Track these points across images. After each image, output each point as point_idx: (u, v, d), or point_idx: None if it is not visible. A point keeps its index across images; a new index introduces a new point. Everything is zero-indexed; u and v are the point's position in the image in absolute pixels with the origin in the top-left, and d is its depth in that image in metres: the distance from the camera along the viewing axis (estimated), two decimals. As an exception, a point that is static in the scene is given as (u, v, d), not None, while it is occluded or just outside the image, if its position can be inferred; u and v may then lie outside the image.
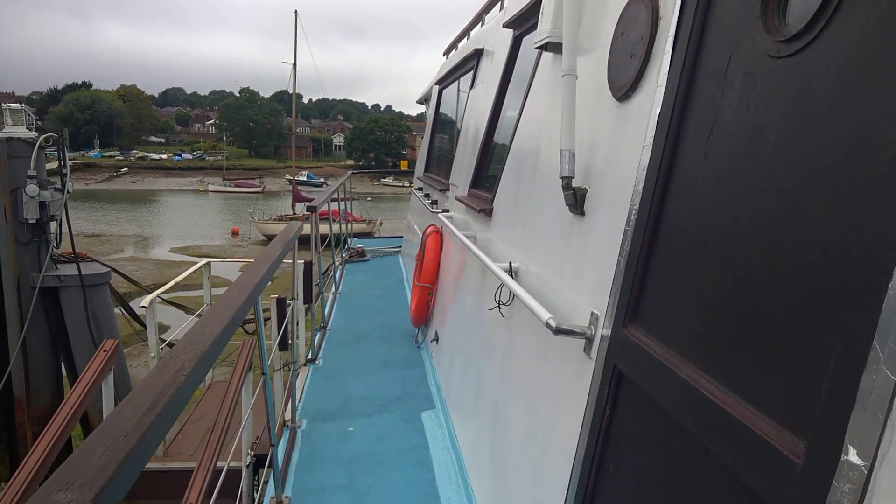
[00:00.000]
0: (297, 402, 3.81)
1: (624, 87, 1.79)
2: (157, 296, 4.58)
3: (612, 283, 1.66)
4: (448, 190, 5.28)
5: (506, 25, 3.64)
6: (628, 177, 1.70)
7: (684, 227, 1.39)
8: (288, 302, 3.75)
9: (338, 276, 8.07)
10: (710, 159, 1.34)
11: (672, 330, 1.38)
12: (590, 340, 1.74)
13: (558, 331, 1.73)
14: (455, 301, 4.24)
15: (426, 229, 5.42)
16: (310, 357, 4.93)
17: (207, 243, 32.71)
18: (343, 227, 9.96)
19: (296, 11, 40.04)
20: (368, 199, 52.45)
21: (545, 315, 1.82)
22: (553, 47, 2.55)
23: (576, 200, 1.97)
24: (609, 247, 1.74)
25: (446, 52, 7.52)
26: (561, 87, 1.99)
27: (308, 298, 4.75)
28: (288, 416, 3.69)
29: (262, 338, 2.51)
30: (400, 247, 10.26)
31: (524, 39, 3.54)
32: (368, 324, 6.03)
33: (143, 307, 4.52)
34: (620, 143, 1.81)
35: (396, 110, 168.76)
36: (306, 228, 5.85)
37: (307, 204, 4.82)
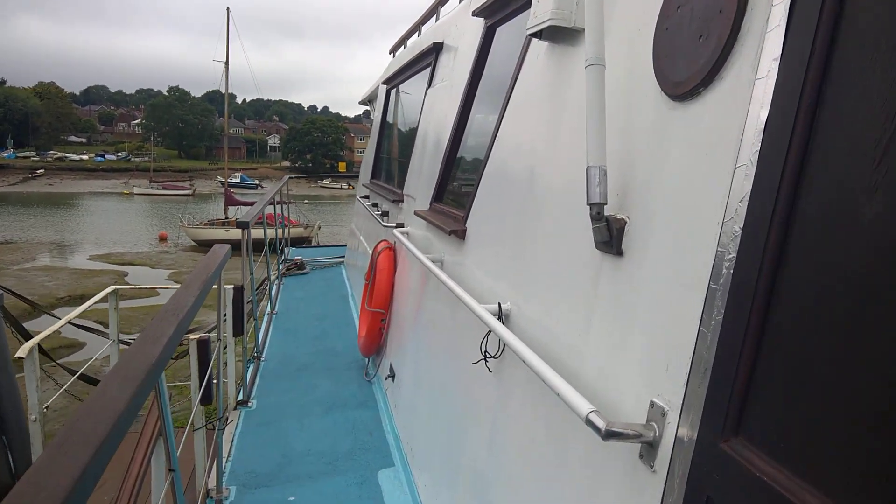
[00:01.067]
0: (223, 463, 3.13)
1: (688, 81, 1.27)
2: (37, 343, 3.66)
3: (691, 365, 1.14)
4: (402, 201, 4.69)
5: (476, 13, 3.10)
6: (700, 207, 1.18)
7: (831, 293, 0.88)
8: (212, 342, 3.07)
9: (273, 292, 7.31)
10: (885, 193, 0.83)
11: (813, 454, 0.87)
12: (651, 446, 1.21)
13: (609, 434, 1.18)
14: (416, 332, 3.66)
15: (377, 245, 4.81)
16: (240, 398, 4.23)
17: (131, 250, 30.86)
18: (279, 231, 9.19)
19: (228, 9, 38.25)
20: (306, 201, 51.01)
21: (583, 406, 1.27)
22: (551, 34, 2.02)
23: (611, 235, 1.43)
24: (674, 306, 1.22)
25: (393, 50, 6.93)
26: (587, 82, 1.45)
27: (239, 329, 4.06)
28: (212, 483, 3.00)
29: (166, 411, 1.86)
30: (343, 257, 9.56)
31: (499, 30, 3.01)
32: (310, 351, 5.35)
33: (21, 357, 3.58)
34: (682, 158, 1.29)
35: (334, 112, 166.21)
36: (237, 235, 5.15)
37: (238, 219, 4.13)
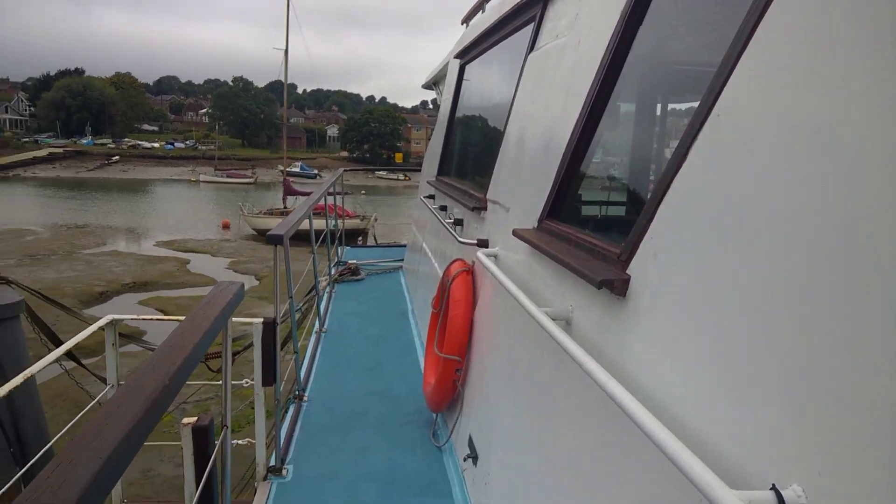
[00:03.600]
0: None
1: None
2: (25, 378, 2.76)
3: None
4: (484, 209, 3.53)
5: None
6: None
7: None
8: (215, 422, 2.02)
9: (323, 305, 6.30)
10: None
11: None
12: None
13: None
14: (516, 404, 2.52)
15: (449, 267, 3.67)
16: (272, 464, 3.19)
17: (194, 237, 31.12)
18: (335, 223, 8.21)
19: (288, -1, 37.87)
20: (363, 192, 50.54)
21: None
22: None
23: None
24: None
25: (467, 19, 5.73)
26: None
27: (270, 377, 3.01)
28: None
29: None
30: (402, 261, 8.49)
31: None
32: (363, 391, 4.28)
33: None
34: None
35: (391, 102, 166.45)
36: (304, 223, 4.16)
37: (269, 233, 3.08)
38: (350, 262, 8.07)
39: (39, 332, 5.69)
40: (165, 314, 17.83)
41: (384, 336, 5.52)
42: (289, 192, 34.18)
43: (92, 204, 43.53)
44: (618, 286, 1.62)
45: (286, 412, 3.96)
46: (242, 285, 1.96)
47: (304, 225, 5.98)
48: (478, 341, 3.23)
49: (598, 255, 1.83)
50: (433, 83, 8.18)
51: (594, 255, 1.87)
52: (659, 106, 3.45)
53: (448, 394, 3.40)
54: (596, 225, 2.16)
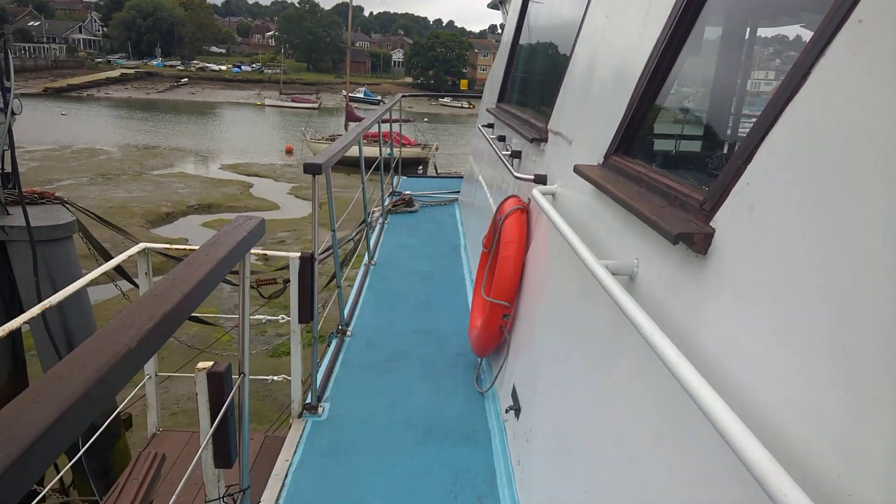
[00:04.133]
0: None
1: None
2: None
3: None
4: (545, 141, 3.18)
5: None
6: None
7: None
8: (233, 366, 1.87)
9: (373, 237, 6.15)
10: None
11: None
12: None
13: None
14: (563, 357, 2.28)
15: (503, 203, 3.38)
16: (308, 402, 3.10)
17: (258, 161, 31.66)
18: (392, 150, 7.96)
19: None
20: (425, 119, 49.77)
21: None
22: None
23: None
24: None
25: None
26: None
27: (306, 313, 2.87)
28: None
29: None
30: (458, 192, 8.21)
31: None
32: (408, 329, 4.14)
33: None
34: None
35: (459, 26, 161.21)
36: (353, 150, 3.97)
37: (306, 162, 2.86)
38: (405, 192, 7.85)
39: (95, 252, 5.81)
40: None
41: (434, 272, 5.34)
42: (351, 118, 34.06)
43: (162, 125, 44.77)
44: (698, 241, 1.31)
45: (328, 346, 3.87)
46: (262, 221, 1.75)
47: (365, 152, 5.78)
48: (528, 287, 2.96)
49: (675, 202, 1.51)
50: (499, 2, 7.58)
51: (670, 200, 1.54)
52: (749, 30, 2.96)
53: (494, 339, 3.19)
54: (674, 165, 1.82)
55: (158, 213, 19.32)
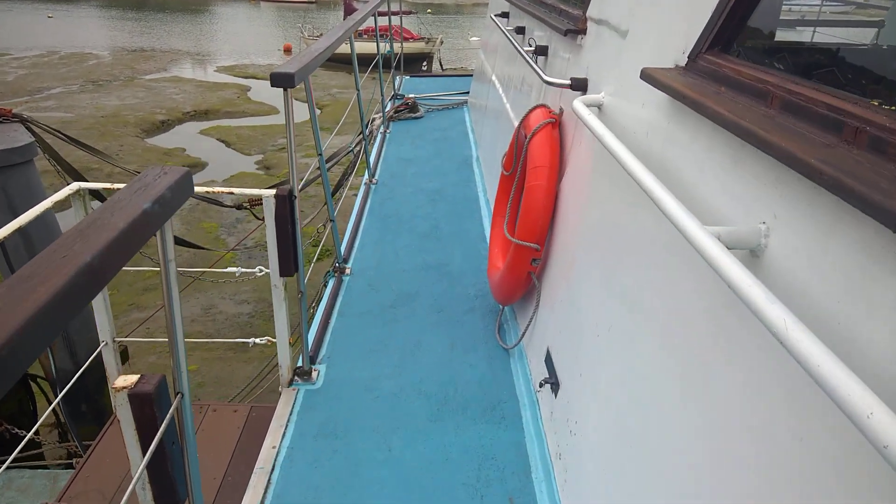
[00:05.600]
0: None
1: None
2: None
3: None
4: (582, 34, 2.44)
5: None
6: None
7: None
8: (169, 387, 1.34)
9: (374, 151, 5.47)
10: None
11: None
12: None
13: None
14: (626, 326, 1.71)
15: (528, 116, 2.69)
16: (299, 366, 2.60)
17: (256, 62, 30.17)
18: (392, 46, 7.12)
19: None
20: (428, 11, 46.79)
21: None
22: None
23: None
24: None
25: None
26: None
27: (288, 266, 2.30)
28: None
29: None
30: (467, 93, 7.39)
31: None
32: (416, 262, 3.57)
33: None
34: None
35: None
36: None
37: (273, 72, 2.17)
38: (408, 96, 7.04)
39: (65, 175, 5.19)
40: (227, 144, 17.57)
41: (444, 190, 4.70)
42: (349, 11, 32.04)
43: (153, 26, 42.52)
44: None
45: (325, 287, 3.34)
46: (188, 172, 1.15)
47: (361, 48, 4.97)
48: (565, 225, 2.35)
49: (857, 136, 0.87)
50: None
51: (844, 134, 0.90)
52: None
53: (520, 287, 2.62)
54: (831, 70, 1.16)
55: (153, 122, 18.46)
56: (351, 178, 5.89)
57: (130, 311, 7.88)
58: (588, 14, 2.41)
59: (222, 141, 17.43)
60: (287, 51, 32.92)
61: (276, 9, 56.41)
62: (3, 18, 42.21)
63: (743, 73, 1.23)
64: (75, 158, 6.91)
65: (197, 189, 1.80)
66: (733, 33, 1.35)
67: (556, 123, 2.58)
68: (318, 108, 20.94)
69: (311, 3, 58.34)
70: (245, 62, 29.75)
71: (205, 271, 5.03)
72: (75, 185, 2.21)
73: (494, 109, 4.85)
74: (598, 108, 2.09)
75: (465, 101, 7.27)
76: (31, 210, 2.09)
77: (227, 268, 3.03)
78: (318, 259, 5.36)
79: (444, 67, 28.44)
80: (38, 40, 31.86)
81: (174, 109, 19.63)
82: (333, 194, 6.83)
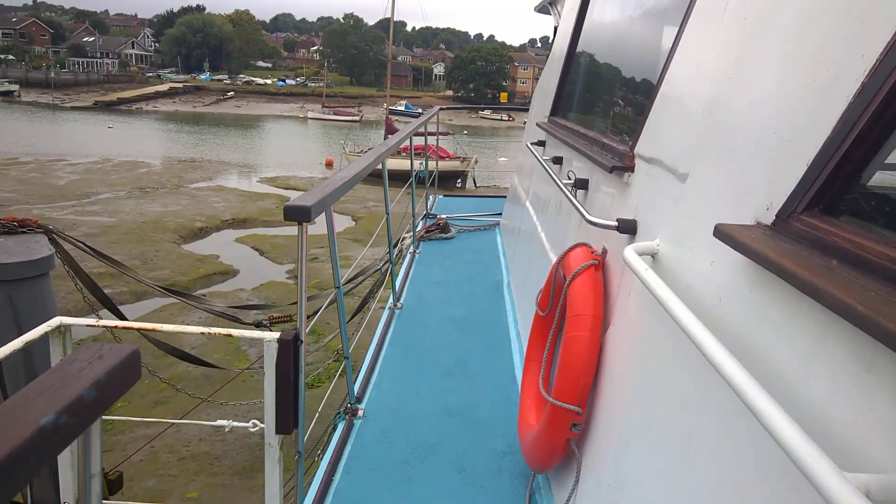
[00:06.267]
0: None
1: None
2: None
3: None
4: (630, 171, 2.22)
5: None
6: None
7: None
8: None
9: (401, 273, 5.26)
10: None
11: None
12: None
13: None
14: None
15: (567, 255, 2.42)
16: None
17: (298, 174, 31.51)
18: (427, 164, 7.13)
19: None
20: (465, 132, 49.00)
21: None
22: None
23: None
24: None
25: None
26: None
27: (286, 423, 1.97)
28: None
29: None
30: (500, 215, 7.28)
31: None
32: (439, 405, 3.20)
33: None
34: None
35: (499, 40, 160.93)
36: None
37: (288, 205, 1.96)
38: (440, 216, 6.95)
39: (83, 289, 5.08)
40: (260, 253, 17.83)
41: (472, 318, 4.40)
42: (390, 130, 33.74)
43: (206, 139, 45.34)
44: None
45: (333, 431, 2.98)
46: (133, 354, 0.87)
47: (397, 165, 4.91)
48: (611, 387, 2.00)
49: None
50: (548, 3, 6.65)
51: None
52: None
53: (557, 454, 2.23)
54: None
55: (192, 228, 18.96)
56: (375, 302, 5.66)
57: (138, 427, 7.50)
58: (637, 151, 2.20)
59: (256, 249, 17.69)
60: (329, 165, 34.41)
61: (322, 126, 59.92)
62: (68, 128, 45.62)
63: (865, 245, 0.94)
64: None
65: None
66: (841, 191, 1.07)
67: (600, 265, 2.30)
68: (354, 220, 21.36)
69: (356, 121, 61.87)
70: (287, 174, 31.07)
71: (194, 423, 4.68)
72: (55, 321, 1.98)
73: (528, 235, 4.65)
74: (652, 256, 1.81)
75: (498, 223, 7.15)
76: (4, 347, 1.85)
77: (221, 414, 2.71)
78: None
79: (478, 185, 29.20)
80: (95, 148, 34.02)
81: (213, 217, 20.21)
82: (355, 315, 6.60)
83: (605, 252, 2.37)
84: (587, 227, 2.48)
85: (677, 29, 2.00)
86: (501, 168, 34.71)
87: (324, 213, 2.28)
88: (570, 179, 2.97)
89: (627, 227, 2.05)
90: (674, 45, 2.02)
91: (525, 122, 7.15)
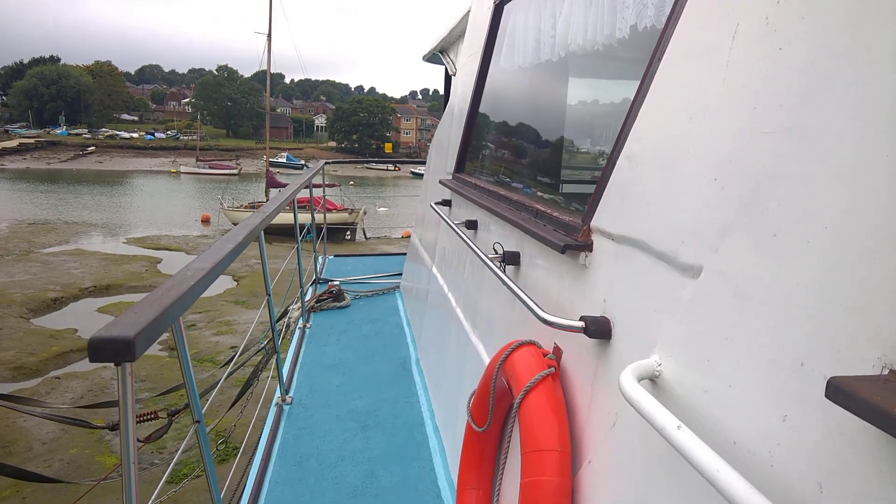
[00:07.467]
0: None
1: None
2: None
3: None
4: (588, 250, 1.73)
5: None
6: None
7: None
8: None
9: (290, 357, 4.48)
10: None
11: None
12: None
13: None
14: None
15: (509, 358, 1.86)
16: None
17: (170, 233, 29.25)
18: (314, 216, 6.44)
19: (269, -25, 35.55)
20: (351, 183, 48.39)
21: None
22: None
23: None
24: None
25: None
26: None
27: None
28: None
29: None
30: (400, 276, 6.67)
31: None
32: None
33: None
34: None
35: (380, 92, 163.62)
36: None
37: (93, 336, 1.26)
38: (332, 281, 6.23)
39: None
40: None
41: (379, 412, 3.71)
42: (272, 184, 32.52)
43: (64, 197, 41.37)
44: None
45: None
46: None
47: (283, 219, 4.23)
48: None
49: None
50: (439, 51, 6.32)
51: None
52: None
53: None
54: None
55: (44, 300, 16.62)
56: (251, 394, 4.81)
57: None
58: (595, 224, 1.71)
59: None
60: (205, 221, 32.31)
61: (197, 180, 56.87)
62: None
63: None
64: None
65: None
66: None
67: (556, 374, 1.77)
68: (235, 280, 19.83)
69: (234, 174, 59.35)
70: (158, 233, 28.75)
71: None
72: None
73: (438, 304, 4.08)
74: (651, 380, 1.29)
75: (398, 286, 6.54)
76: None
77: None
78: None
79: (368, 237, 28.50)
80: (-75, 213, 29.78)
81: (70, 285, 17.93)
82: (231, 406, 5.65)
83: (558, 352, 1.84)
84: (522, 309, 1.93)
85: (643, 73, 1.55)
86: (384, 217, 34.34)
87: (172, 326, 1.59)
88: (496, 253, 2.45)
89: (599, 330, 1.54)
90: (640, 91, 1.56)
91: (413, 173, 6.69)
